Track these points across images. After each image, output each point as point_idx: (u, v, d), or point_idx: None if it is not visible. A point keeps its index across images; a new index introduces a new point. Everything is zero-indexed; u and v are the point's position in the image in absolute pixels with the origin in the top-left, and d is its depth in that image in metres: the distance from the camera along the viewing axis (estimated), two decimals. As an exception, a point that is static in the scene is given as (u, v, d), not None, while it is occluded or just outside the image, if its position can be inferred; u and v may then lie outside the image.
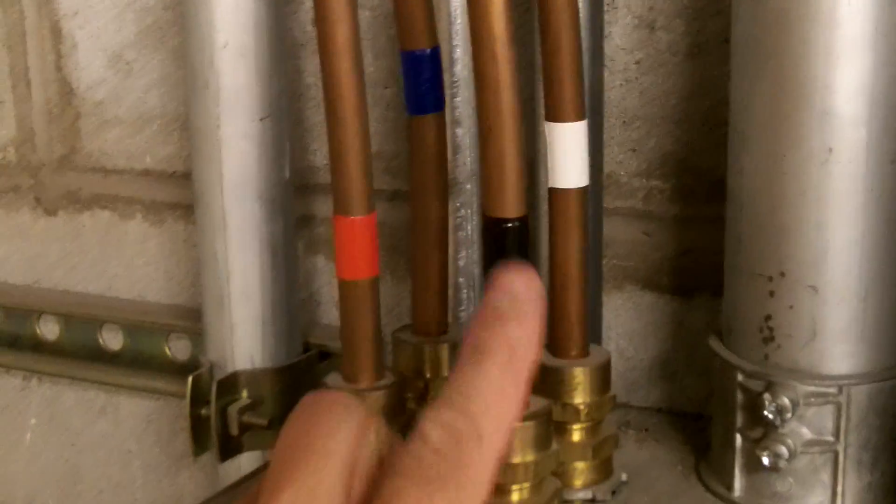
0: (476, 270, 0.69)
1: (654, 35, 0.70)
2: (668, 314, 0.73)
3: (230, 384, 0.74)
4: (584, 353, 0.59)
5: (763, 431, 0.57)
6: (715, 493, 0.60)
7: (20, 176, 0.95)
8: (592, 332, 0.67)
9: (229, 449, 0.74)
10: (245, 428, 0.74)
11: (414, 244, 0.63)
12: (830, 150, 0.54)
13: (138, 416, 0.93)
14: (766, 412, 0.56)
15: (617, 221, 0.72)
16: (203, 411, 0.74)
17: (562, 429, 0.58)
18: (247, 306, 0.74)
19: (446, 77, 0.63)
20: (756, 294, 0.58)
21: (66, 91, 0.91)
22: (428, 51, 0.59)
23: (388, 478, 0.32)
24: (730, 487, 0.59)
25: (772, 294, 0.57)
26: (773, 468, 0.56)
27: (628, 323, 0.74)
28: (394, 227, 0.80)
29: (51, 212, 0.94)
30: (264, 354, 0.75)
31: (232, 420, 0.73)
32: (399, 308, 0.80)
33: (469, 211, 0.68)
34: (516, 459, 0.50)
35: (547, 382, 0.58)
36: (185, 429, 0.75)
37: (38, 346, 0.93)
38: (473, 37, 0.48)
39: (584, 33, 0.62)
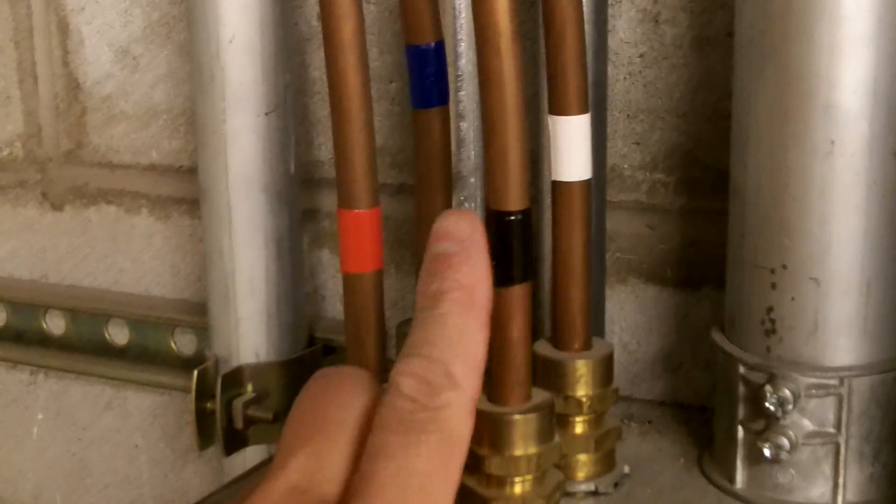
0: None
1: (659, 28, 0.70)
2: (672, 307, 0.73)
3: (235, 378, 0.75)
4: (587, 345, 0.59)
5: (765, 423, 0.57)
6: (717, 486, 0.60)
7: (27, 171, 0.95)
8: (595, 325, 0.67)
9: (234, 443, 0.75)
10: (250, 422, 0.74)
11: (418, 237, 0.63)
12: (833, 144, 0.55)
13: (144, 411, 0.94)
14: (767, 404, 0.56)
15: (621, 215, 0.73)
16: (208, 405, 0.75)
17: (564, 421, 0.58)
18: (252, 300, 0.75)
19: (451, 71, 0.63)
20: (758, 286, 0.58)
21: (73, 86, 0.91)
22: (433, 45, 0.59)
23: (372, 433, 0.33)
24: (732, 479, 0.59)
25: (774, 286, 0.57)
26: (775, 460, 0.57)
27: (632, 316, 0.74)
28: (399, 221, 0.80)
29: (57, 206, 0.94)
30: (269, 348, 0.75)
31: (237, 414, 0.73)
32: (404, 302, 0.81)
33: (472, 204, 0.68)
34: (518, 452, 0.50)
35: (549, 375, 0.58)
36: (190, 423, 0.76)
37: (45, 341, 0.93)
38: (478, 31, 0.48)
39: (588, 27, 0.62)
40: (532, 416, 0.51)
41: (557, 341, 0.59)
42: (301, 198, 0.78)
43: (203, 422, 0.75)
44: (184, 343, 0.87)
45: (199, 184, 0.75)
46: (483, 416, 0.50)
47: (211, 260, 0.76)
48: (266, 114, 0.73)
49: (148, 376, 0.89)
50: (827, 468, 0.57)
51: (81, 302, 0.92)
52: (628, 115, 0.72)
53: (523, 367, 0.51)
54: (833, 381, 0.56)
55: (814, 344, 0.57)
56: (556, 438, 0.52)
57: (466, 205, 0.68)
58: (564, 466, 0.58)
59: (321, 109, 0.81)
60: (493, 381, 0.50)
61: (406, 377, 0.33)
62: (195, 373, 0.75)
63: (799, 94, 0.55)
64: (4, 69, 0.94)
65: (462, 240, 0.36)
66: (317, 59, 0.80)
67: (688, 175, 0.71)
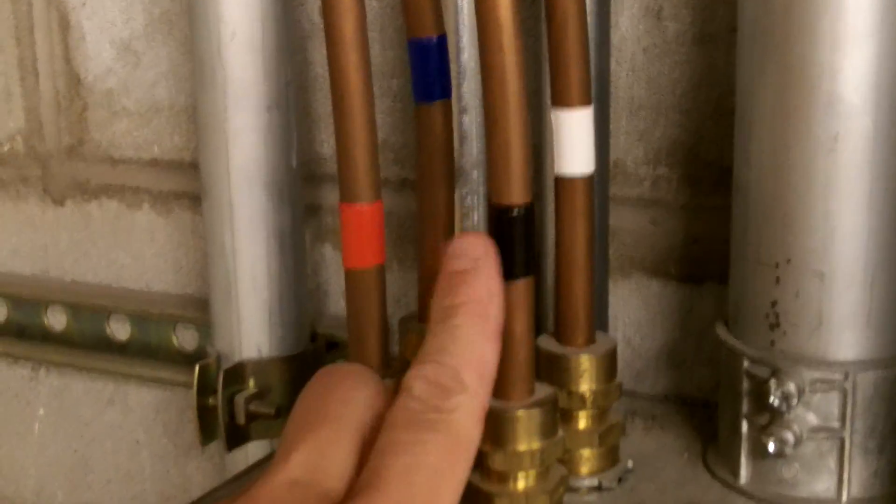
0: (483, 259, 0.69)
1: (661, 24, 0.70)
2: (676, 302, 0.73)
3: (237, 374, 0.74)
4: (591, 340, 0.59)
5: (769, 418, 0.57)
6: (721, 481, 0.60)
7: (29, 166, 0.95)
8: (599, 320, 0.67)
9: (236, 438, 0.75)
10: (252, 417, 0.74)
11: (421, 233, 0.63)
12: (837, 138, 0.54)
13: (146, 406, 0.94)
14: (771, 399, 0.56)
15: (624, 210, 0.72)
16: (210, 401, 0.75)
17: (568, 416, 0.58)
18: (254, 296, 0.75)
19: (453, 66, 0.63)
20: (762, 281, 0.58)
21: (75, 82, 0.91)
22: (435, 39, 0.59)
23: (382, 431, 0.33)
24: (736, 474, 0.59)
25: (778, 281, 0.57)
26: (779, 455, 0.56)
27: (635, 311, 0.74)
28: (401, 217, 0.80)
29: (59, 202, 0.94)
30: (271, 344, 0.75)
31: (239, 409, 0.73)
32: (406, 298, 0.81)
33: (475, 199, 0.68)
34: (522, 447, 0.50)
35: (553, 369, 0.58)
36: (192, 419, 0.76)
37: (47, 337, 0.93)
38: (480, 26, 0.48)
39: (591, 22, 0.62)
40: (535, 411, 0.50)
41: (561, 336, 0.59)
42: (303, 194, 0.78)
43: (205, 418, 0.75)
44: (186, 339, 0.87)
45: (201, 180, 0.75)
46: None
47: (213, 256, 0.76)
48: (268, 110, 0.73)
49: (150, 372, 0.89)
50: (831, 463, 0.57)
51: (83, 297, 0.92)
52: (631, 111, 0.71)
53: (526, 363, 0.50)
54: (837, 376, 0.56)
55: (818, 338, 0.57)
56: (560, 433, 0.52)
57: (469, 199, 0.68)
58: (568, 461, 0.58)
59: (323, 106, 0.81)
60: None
61: (418, 380, 0.34)
62: (197, 368, 0.75)
63: (802, 89, 0.55)
64: (5, 65, 0.94)
65: (476, 258, 0.37)
66: (319, 55, 0.80)
67: (691, 170, 0.71)
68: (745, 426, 0.58)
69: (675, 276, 0.73)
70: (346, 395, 0.36)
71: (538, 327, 0.56)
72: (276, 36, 0.72)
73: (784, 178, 0.56)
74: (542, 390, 0.52)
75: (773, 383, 0.56)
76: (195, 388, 0.74)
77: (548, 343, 0.59)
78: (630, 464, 0.61)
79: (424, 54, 0.59)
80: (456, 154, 0.65)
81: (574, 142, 0.56)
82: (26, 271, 0.97)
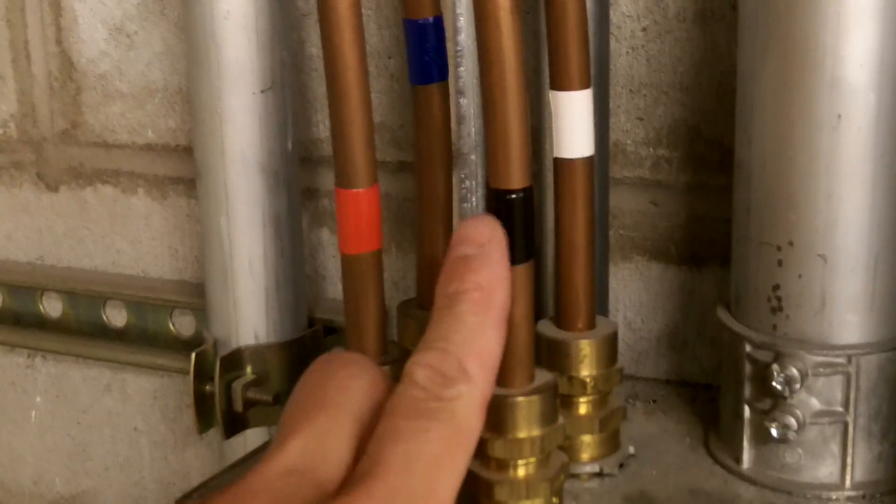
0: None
1: (662, 2, 0.69)
2: (677, 284, 0.72)
3: (234, 360, 0.74)
4: (591, 325, 0.58)
5: (772, 402, 0.56)
6: (724, 466, 0.60)
7: (22, 151, 0.94)
8: (599, 303, 0.66)
9: (234, 425, 0.74)
10: (250, 404, 0.73)
11: (419, 216, 0.62)
12: (840, 117, 0.54)
13: (144, 393, 0.93)
14: (774, 383, 0.55)
15: (624, 191, 0.72)
16: (207, 388, 0.74)
17: (568, 402, 0.58)
18: (250, 281, 0.74)
19: (450, 46, 0.62)
20: (764, 264, 0.57)
21: (67, 65, 0.90)
22: (431, 19, 0.58)
23: (383, 418, 0.33)
24: (738, 459, 0.59)
25: (780, 264, 0.56)
26: (782, 440, 0.56)
27: (636, 294, 0.73)
28: (399, 199, 0.79)
29: (53, 187, 0.94)
30: (269, 329, 0.75)
31: (236, 396, 0.73)
32: (405, 281, 0.80)
33: (473, 182, 0.67)
34: (522, 434, 0.50)
35: (553, 355, 0.58)
36: (189, 406, 0.75)
37: (43, 324, 0.93)
38: (477, 5, 0.47)
39: (590, 1, 0.61)
40: (535, 398, 0.50)
41: (561, 321, 0.58)
42: (300, 177, 0.77)
43: (202, 405, 0.74)
44: (183, 324, 0.87)
45: (196, 163, 0.74)
46: (486, 398, 0.49)
47: (209, 241, 0.75)
48: (262, 91, 0.72)
49: (147, 358, 0.88)
50: (835, 447, 0.56)
51: (79, 284, 0.91)
52: (631, 90, 0.71)
53: (526, 349, 0.50)
54: (841, 360, 0.56)
55: (821, 321, 0.56)
56: (560, 420, 0.52)
57: (467, 182, 0.67)
58: (568, 448, 0.57)
59: (319, 86, 0.80)
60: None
61: (420, 367, 0.34)
62: (193, 355, 0.74)
63: (805, 68, 0.54)
64: (-3, 49, 0.93)
65: (481, 244, 0.36)
66: (314, 35, 0.79)
67: (692, 150, 0.70)
68: (747, 411, 0.58)
69: (676, 257, 0.72)
70: (345, 384, 0.35)
71: (537, 312, 0.55)
72: (271, 16, 0.72)
73: (786, 158, 0.55)
74: (542, 376, 0.51)
75: (775, 368, 0.55)
76: (192, 375, 0.74)
77: (548, 328, 0.58)
78: (631, 449, 0.60)
79: (421, 35, 0.58)
80: (454, 136, 0.64)
81: (573, 124, 0.56)
82: (21, 258, 0.96)
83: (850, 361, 0.56)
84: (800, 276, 0.56)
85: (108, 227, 0.92)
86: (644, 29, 0.70)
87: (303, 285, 0.78)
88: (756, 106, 0.56)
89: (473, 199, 0.68)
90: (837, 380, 0.56)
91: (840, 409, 0.56)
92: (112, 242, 0.92)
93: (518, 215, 0.48)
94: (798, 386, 0.55)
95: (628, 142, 0.71)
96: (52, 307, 0.93)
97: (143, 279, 0.91)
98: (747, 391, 0.58)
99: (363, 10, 0.52)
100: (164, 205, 0.89)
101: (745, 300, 0.59)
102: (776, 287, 0.57)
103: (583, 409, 0.58)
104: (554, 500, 0.51)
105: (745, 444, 0.58)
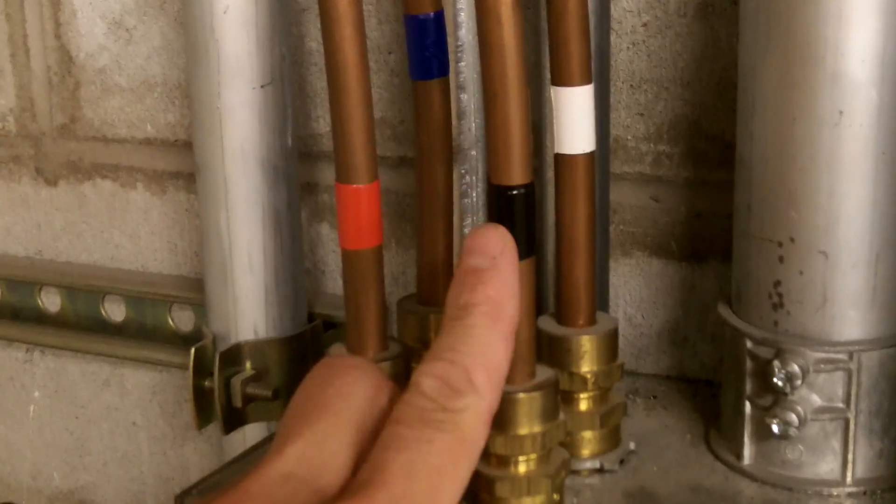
0: (482, 238, 0.68)
1: (662, -3, 0.69)
2: (678, 280, 0.72)
3: (233, 355, 0.74)
4: (592, 321, 0.58)
5: (773, 399, 0.56)
6: (724, 462, 0.60)
7: (21, 146, 0.94)
8: (600, 299, 0.66)
9: (233, 421, 0.74)
10: (249, 399, 0.73)
11: (419, 212, 0.62)
12: (841, 114, 0.54)
13: (143, 388, 0.93)
14: (775, 379, 0.55)
15: (624, 187, 0.72)
16: (206, 383, 0.74)
17: (569, 398, 0.58)
18: (250, 276, 0.74)
19: (450, 41, 0.62)
20: (765, 260, 0.57)
21: (66, 59, 0.90)
22: (432, 15, 0.58)
23: (387, 426, 0.33)
24: (739, 456, 0.59)
25: (781, 260, 0.56)
26: (783, 436, 0.56)
27: (637, 289, 0.73)
28: (399, 194, 0.79)
29: (52, 182, 0.93)
30: (268, 325, 0.75)
31: (236, 392, 0.73)
32: (405, 276, 0.80)
33: (474, 178, 0.67)
34: (523, 430, 0.50)
35: (553, 351, 0.57)
36: (189, 402, 0.75)
37: (41, 318, 0.93)
38: (478, 0, 0.47)
39: (591, -5, 0.61)
40: (536, 394, 0.50)
41: (561, 317, 0.58)
42: (299, 171, 0.77)
43: (201, 400, 0.74)
44: (182, 319, 0.87)
45: (195, 158, 0.74)
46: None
47: (208, 235, 0.75)
48: (262, 86, 0.72)
49: (146, 353, 0.88)
50: (836, 444, 0.56)
51: (77, 279, 0.91)
52: (632, 86, 0.70)
53: (527, 345, 0.50)
54: (842, 356, 0.55)
55: (822, 318, 0.56)
56: (561, 416, 0.51)
57: (467, 177, 0.67)
58: (569, 444, 0.57)
59: (319, 81, 0.80)
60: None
61: (428, 378, 0.34)
62: (192, 351, 0.74)
63: (806, 63, 0.54)
64: (-4, 43, 0.93)
65: (493, 256, 0.37)
66: (314, 29, 0.79)
67: (693, 146, 0.70)
68: (748, 407, 0.58)
69: (677, 253, 0.72)
70: (346, 389, 0.35)
71: (538, 308, 0.55)
72: (271, 10, 0.71)
73: (788, 154, 0.55)
74: (543, 373, 0.51)
75: (776, 364, 0.55)
76: (191, 371, 0.73)
77: (548, 324, 0.58)
78: (632, 445, 0.60)
79: (421, 31, 0.58)
80: (454, 131, 0.64)
81: (574, 120, 0.55)
82: (20, 252, 0.96)
83: (851, 358, 0.55)
84: (801, 272, 0.56)
85: (107, 221, 0.92)
86: (645, 24, 0.70)
87: (302, 280, 0.77)
88: (757, 102, 0.56)
89: (474, 195, 0.67)
90: (838, 376, 0.56)
91: (841, 405, 0.56)
92: (111, 237, 0.92)
93: (519, 211, 0.48)
94: (799, 382, 0.55)
95: (629, 137, 0.71)
96: (50, 302, 0.92)
97: (142, 274, 0.90)
98: (748, 387, 0.58)
99: (363, 5, 0.52)
100: (164, 199, 0.89)
101: (746, 296, 0.59)
102: (777, 283, 0.56)
103: (583, 406, 0.58)
104: (555, 496, 0.51)
105: (746, 440, 0.58)
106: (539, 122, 0.66)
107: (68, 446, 0.98)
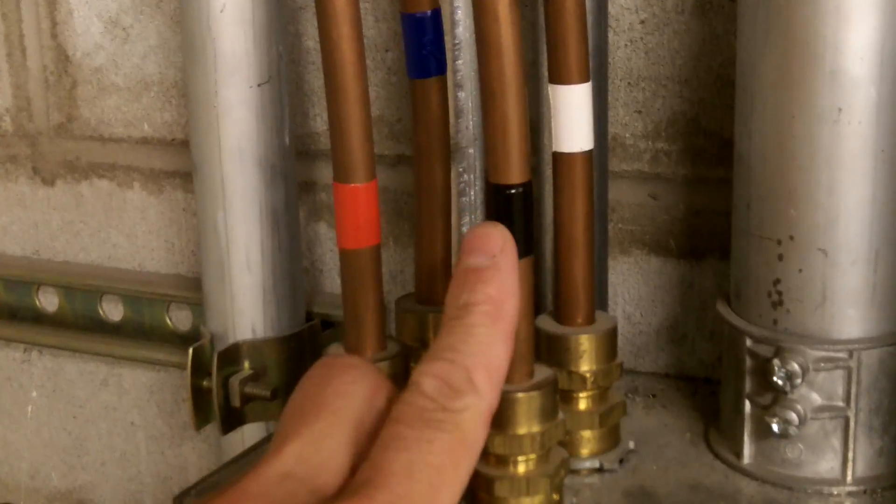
0: (480, 236, 0.68)
1: (660, -6, 0.69)
2: (677, 278, 0.72)
3: (232, 355, 0.73)
4: (590, 319, 0.58)
5: (772, 397, 0.56)
6: (724, 461, 0.60)
7: (17, 145, 0.94)
8: (599, 297, 0.66)
9: (232, 421, 0.74)
10: (247, 399, 0.73)
11: (418, 210, 0.62)
12: (840, 111, 0.53)
13: (141, 388, 0.93)
14: (775, 378, 0.55)
15: (623, 185, 0.71)
16: (204, 383, 0.74)
17: (568, 397, 0.58)
18: (248, 275, 0.74)
19: (448, 39, 0.62)
20: (765, 258, 0.57)
21: (63, 58, 0.89)
22: (429, 13, 0.58)
23: (387, 425, 0.33)
24: (739, 454, 0.59)
25: (781, 258, 0.56)
26: (783, 435, 0.56)
27: (635, 288, 0.73)
28: (397, 193, 0.79)
29: (49, 181, 0.93)
30: (266, 324, 0.74)
31: (234, 392, 0.72)
32: (403, 275, 0.80)
33: (472, 176, 0.67)
34: (522, 430, 0.50)
35: (552, 350, 0.57)
36: (187, 400, 0.75)
37: (38, 318, 0.93)
38: (475, -2, 0.47)
39: (588, -7, 0.60)
40: (535, 393, 0.50)
41: (560, 316, 0.58)
42: (297, 170, 0.76)
43: (199, 400, 0.74)
44: (179, 319, 0.86)
45: (192, 157, 0.74)
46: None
47: (205, 234, 0.74)
48: (259, 85, 0.72)
49: (143, 353, 0.88)
50: (836, 442, 0.56)
51: (75, 278, 0.91)
52: (630, 83, 0.70)
53: (526, 344, 0.50)
54: (842, 354, 0.55)
55: (822, 316, 0.56)
56: (560, 415, 0.51)
57: (465, 176, 0.67)
58: (569, 443, 0.57)
59: (316, 80, 0.80)
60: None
61: (428, 377, 0.34)
62: (190, 351, 0.74)
63: (805, 60, 0.53)
64: (-8, 41, 0.93)
65: (493, 254, 0.37)
66: (311, 28, 0.79)
67: (691, 143, 0.70)
68: (748, 406, 0.58)
69: (676, 250, 0.72)
70: (345, 389, 0.35)
71: (537, 307, 0.55)
72: (268, 9, 0.71)
73: (787, 151, 0.55)
74: (542, 372, 0.51)
75: (776, 362, 0.55)
76: (189, 370, 0.73)
77: (547, 323, 0.58)
78: (631, 444, 0.60)
79: (418, 29, 0.58)
80: (452, 130, 0.64)
81: (573, 118, 0.55)
82: (17, 252, 0.96)
83: (851, 356, 0.55)
84: (800, 270, 0.56)
85: (104, 220, 0.91)
86: (642, 21, 0.69)
87: (300, 279, 0.77)
88: (756, 100, 0.56)
89: (472, 193, 0.67)
90: (838, 374, 0.56)
91: (841, 403, 0.56)
92: (108, 236, 0.92)
93: (517, 210, 0.48)
94: (799, 381, 0.55)
95: (627, 135, 0.71)
96: (48, 301, 0.92)
97: (139, 273, 0.90)
98: (748, 386, 0.57)
99: (360, 4, 0.52)
100: (161, 198, 0.89)
101: (745, 294, 0.59)
102: (777, 281, 0.56)
103: (582, 405, 0.58)
104: (554, 495, 0.51)
105: (746, 439, 0.58)
106: (537, 121, 0.66)
107: (66, 446, 0.97)
